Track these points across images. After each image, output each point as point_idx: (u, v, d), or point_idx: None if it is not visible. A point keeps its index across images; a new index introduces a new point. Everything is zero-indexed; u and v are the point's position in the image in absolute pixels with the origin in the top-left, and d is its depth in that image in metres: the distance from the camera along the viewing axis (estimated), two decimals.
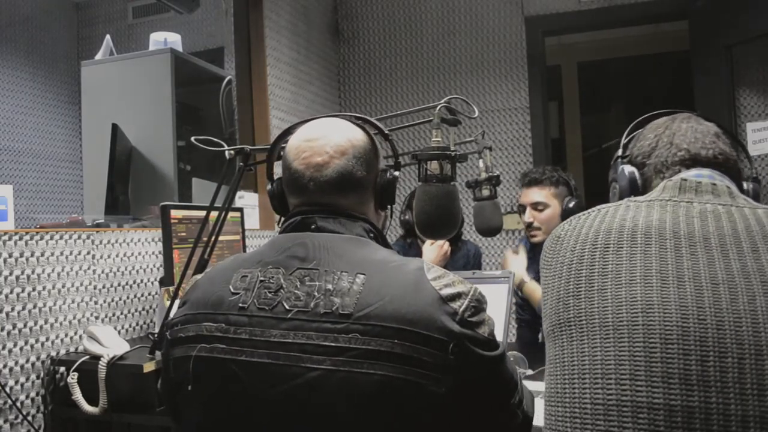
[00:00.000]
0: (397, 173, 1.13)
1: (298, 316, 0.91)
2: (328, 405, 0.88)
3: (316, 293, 0.92)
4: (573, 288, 0.87)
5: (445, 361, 0.88)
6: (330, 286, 0.92)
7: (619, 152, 1.14)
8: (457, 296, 0.93)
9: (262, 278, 0.97)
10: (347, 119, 1.12)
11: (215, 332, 0.95)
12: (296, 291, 0.94)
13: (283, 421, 0.90)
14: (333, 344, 0.88)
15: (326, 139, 1.06)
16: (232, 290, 0.97)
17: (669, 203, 0.92)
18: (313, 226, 1.03)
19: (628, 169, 1.08)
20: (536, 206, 2.29)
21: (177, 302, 1.63)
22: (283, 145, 1.15)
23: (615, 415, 0.77)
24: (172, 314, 1.10)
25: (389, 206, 1.15)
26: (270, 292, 0.95)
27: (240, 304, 0.95)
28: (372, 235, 1.06)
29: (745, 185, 1.07)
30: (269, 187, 1.16)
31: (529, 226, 2.32)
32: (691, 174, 0.99)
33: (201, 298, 1.00)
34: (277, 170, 1.15)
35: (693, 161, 1.02)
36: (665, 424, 0.74)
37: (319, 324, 0.90)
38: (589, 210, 0.98)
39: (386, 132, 1.16)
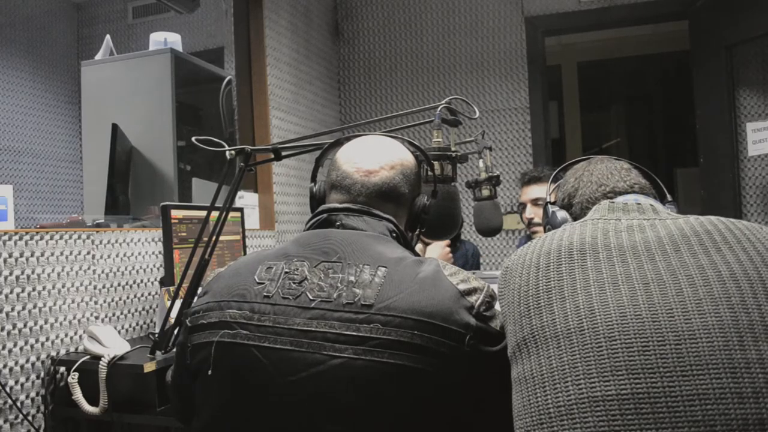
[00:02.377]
0: (433, 200, 1.20)
1: (321, 306, 0.94)
2: (348, 392, 0.91)
3: (339, 285, 0.96)
4: (524, 309, 0.94)
5: (460, 352, 0.93)
6: (352, 278, 0.96)
7: (548, 199, 1.30)
8: (473, 291, 0.98)
9: (286, 270, 1.00)
10: (400, 142, 1.20)
11: (239, 319, 0.97)
12: (320, 282, 0.97)
13: (303, 407, 0.92)
14: (355, 333, 0.91)
15: (379, 153, 1.13)
16: (257, 280, 1.00)
17: (600, 221, 1.03)
18: (338, 223, 1.07)
19: (560, 213, 1.23)
20: (537, 202, 2.31)
21: (179, 301, 1.64)
22: (328, 158, 1.22)
23: (576, 412, 0.82)
24: (173, 309, 1.10)
25: (419, 229, 1.20)
26: (294, 283, 0.98)
27: (264, 293, 0.98)
28: (394, 235, 1.09)
29: (666, 205, 1.19)
30: (313, 187, 1.20)
31: (530, 222, 2.32)
32: (618, 199, 1.12)
33: (225, 288, 1.03)
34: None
35: (614, 193, 1.15)
36: (619, 413, 0.80)
37: (341, 314, 0.93)
38: (534, 240, 1.08)
39: (432, 161, 1.25)
